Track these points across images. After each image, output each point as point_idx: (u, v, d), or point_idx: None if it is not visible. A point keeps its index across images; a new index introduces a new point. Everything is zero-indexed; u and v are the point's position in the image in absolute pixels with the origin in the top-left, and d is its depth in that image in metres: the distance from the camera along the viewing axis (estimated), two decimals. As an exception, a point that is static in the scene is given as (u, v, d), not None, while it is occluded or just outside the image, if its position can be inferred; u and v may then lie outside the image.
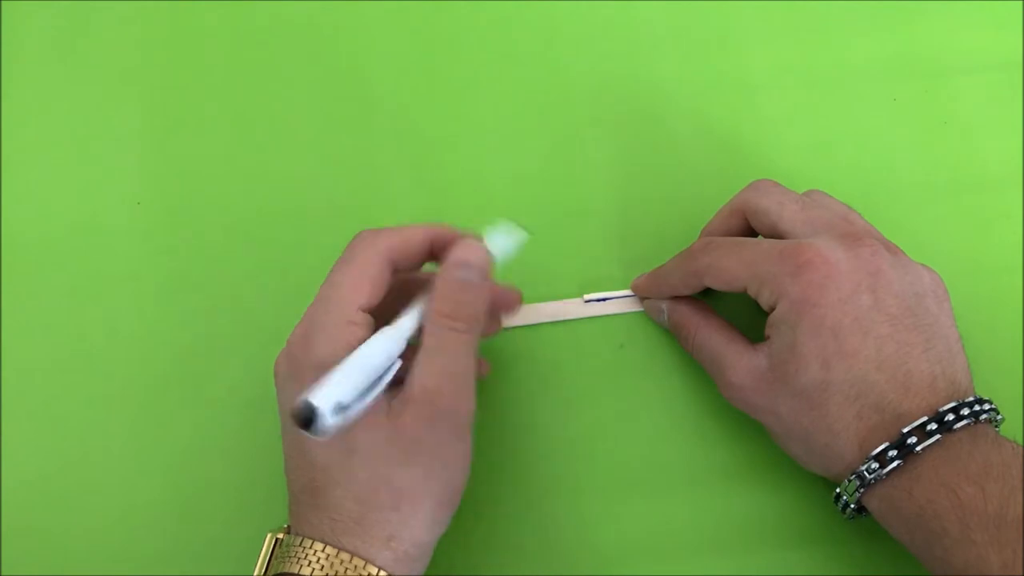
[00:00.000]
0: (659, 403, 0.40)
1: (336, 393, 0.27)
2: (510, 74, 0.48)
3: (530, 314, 0.41)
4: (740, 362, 0.35)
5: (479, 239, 0.34)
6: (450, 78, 0.48)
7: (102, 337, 0.42)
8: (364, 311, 0.31)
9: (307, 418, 0.27)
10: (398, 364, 0.31)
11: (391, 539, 0.30)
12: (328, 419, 0.27)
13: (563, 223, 0.44)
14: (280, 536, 0.32)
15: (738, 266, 0.35)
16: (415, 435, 0.30)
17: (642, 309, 0.41)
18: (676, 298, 0.40)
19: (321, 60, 0.48)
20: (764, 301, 0.34)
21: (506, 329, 0.40)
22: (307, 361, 0.31)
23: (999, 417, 0.33)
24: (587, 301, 0.41)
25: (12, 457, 0.40)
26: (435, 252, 0.34)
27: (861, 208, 0.37)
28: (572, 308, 0.41)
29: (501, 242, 0.35)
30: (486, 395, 0.40)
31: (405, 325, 0.32)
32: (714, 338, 0.37)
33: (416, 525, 0.31)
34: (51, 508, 0.39)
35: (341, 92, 0.47)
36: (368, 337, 0.31)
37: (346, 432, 0.29)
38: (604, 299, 0.41)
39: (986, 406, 0.32)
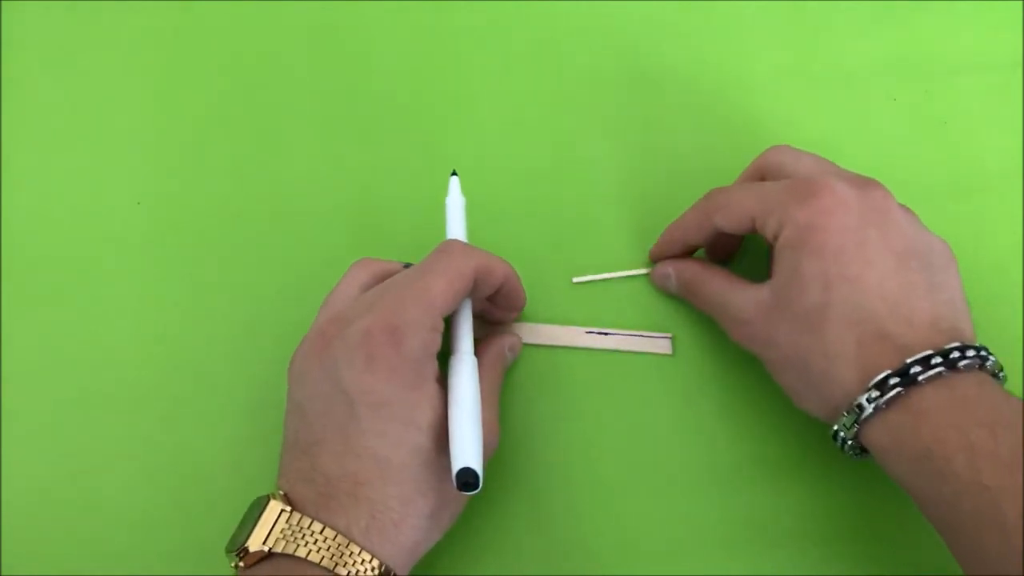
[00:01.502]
0: (659, 403, 0.40)
1: (477, 444, 0.31)
2: (512, 72, 0.48)
3: (528, 334, 0.41)
4: (745, 298, 0.35)
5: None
6: (452, 76, 0.48)
7: (102, 337, 0.42)
8: (444, 317, 0.33)
9: (471, 483, 0.30)
10: (478, 382, 0.34)
11: (418, 544, 0.32)
12: (482, 473, 0.30)
13: (563, 220, 0.44)
14: (286, 509, 0.30)
15: (749, 199, 0.35)
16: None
17: (642, 350, 0.41)
18: (682, 260, 0.40)
19: (323, 59, 0.48)
20: (770, 231, 0.34)
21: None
22: (397, 357, 0.31)
23: (1002, 374, 0.32)
24: (588, 332, 0.41)
25: (12, 458, 0.40)
26: (505, 288, 0.36)
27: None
28: (574, 337, 0.41)
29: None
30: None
31: (470, 345, 0.35)
32: (722, 285, 0.37)
33: (437, 532, 0.33)
34: (51, 508, 0.39)
35: (342, 90, 0.47)
36: (439, 344, 0.33)
37: (414, 433, 0.31)
38: (605, 333, 0.41)
39: (992, 357, 0.31)
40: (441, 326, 0.33)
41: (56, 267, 0.43)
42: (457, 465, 0.30)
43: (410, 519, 0.31)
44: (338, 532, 0.29)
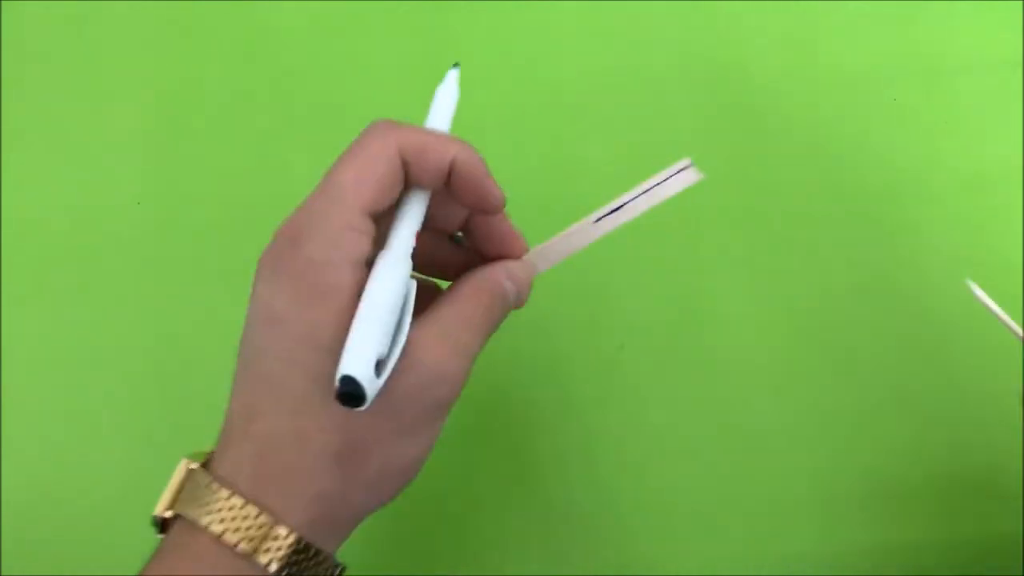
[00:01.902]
0: (659, 403, 0.40)
1: (371, 351, 0.24)
2: (512, 71, 0.48)
3: (540, 260, 0.32)
4: None
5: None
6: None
7: (102, 336, 0.42)
8: (368, 216, 0.26)
9: (353, 394, 0.23)
10: (413, 292, 0.26)
11: (321, 497, 0.25)
12: (371, 387, 0.23)
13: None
14: (194, 467, 0.26)
15: None
16: (408, 395, 0.26)
17: (672, 194, 0.32)
18: None
19: (323, 58, 0.48)
20: None
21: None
22: (294, 262, 0.26)
23: None
24: (599, 220, 0.32)
25: (12, 457, 0.40)
26: (460, 176, 0.28)
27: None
28: (582, 233, 0.32)
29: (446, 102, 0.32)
30: (483, 395, 0.40)
31: (405, 244, 0.27)
32: None
33: (361, 489, 0.26)
34: (51, 508, 0.39)
35: (342, 90, 0.47)
36: (369, 250, 0.26)
37: (313, 354, 0.25)
38: (616, 208, 0.32)
39: None
40: (364, 225, 0.26)
41: (56, 267, 0.43)
42: (340, 370, 0.23)
43: (307, 460, 0.25)
44: (223, 486, 0.25)
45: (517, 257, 0.31)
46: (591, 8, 0.49)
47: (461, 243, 0.32)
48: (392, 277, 0.26)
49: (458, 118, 0.46)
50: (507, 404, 0.40)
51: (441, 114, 0.31)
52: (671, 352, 0.41)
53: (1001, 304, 0.42)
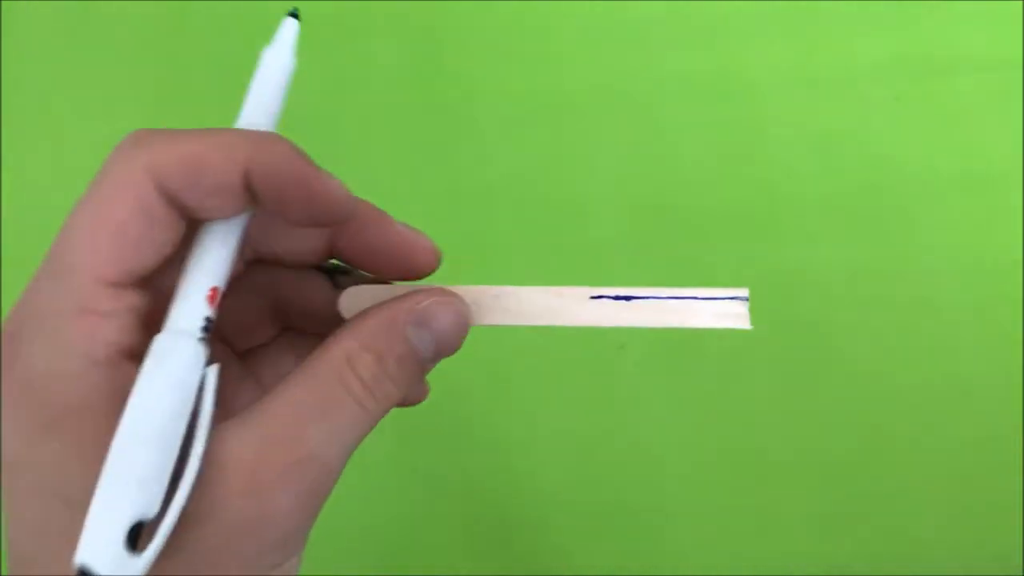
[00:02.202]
0: (659, 403, 0.40)
1: (118, 519, 0.16)
2: (512, 73, 0.48)
3: (492, 308, 0.22)
4: None
5: (452, 294, 0.20)
6: (451, 82, 0.48)
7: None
8: (118, 287, 0.18)
9: None
10: (212, 385, 0.18)
11: None
12: (124, 569, 0.16)
13: (560, 221, 0.44)
14: None
15: None
16: (210, 551, 0.17)
17: (700, 324, 0.22)
18: None
19: (321, 57, 0.48)
20: None
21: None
22: (13, 376, 0.17)
23: None
24: (596, 297, 0.23)
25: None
26: (268, 189, 0.19)
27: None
28: (569, 300, 0.22)
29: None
30: (482, 395, 0.40)
31: (187, 316, 0.18)
32: None
33: None
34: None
35: (341, 90, 0.47)
36: (128, 337, 0.18)
37: (59, 508, 0.17)
38: (626, 297, 0.23)
39: None
40: (109, 302, 0.18)
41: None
42: (76, 557, 0.16)
43: None
44: None
45: (423, 269, 0.21)
46: (592, 9, 0.49)
47: (348, 274, 0.21)
48: (161, 379, 0.17)
49: (457, 121, 0.47)
50: (506, 404, 0.40)
51: (263, 97, 0.21)
52: (671, 352, 0.41)
53: (1001, 303, 0.42)
